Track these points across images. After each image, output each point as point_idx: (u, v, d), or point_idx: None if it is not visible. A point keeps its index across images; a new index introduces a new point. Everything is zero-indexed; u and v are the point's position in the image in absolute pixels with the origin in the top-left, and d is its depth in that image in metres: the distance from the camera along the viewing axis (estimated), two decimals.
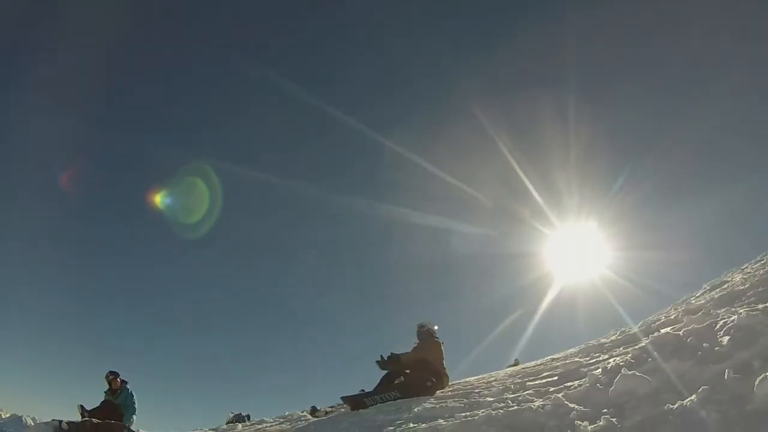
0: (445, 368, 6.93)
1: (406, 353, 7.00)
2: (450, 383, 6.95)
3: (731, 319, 3.78)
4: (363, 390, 7.11)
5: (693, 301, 5.89)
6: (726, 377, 2.94)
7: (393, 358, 6.91)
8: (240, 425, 10.42)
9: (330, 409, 8.37)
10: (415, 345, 7.17)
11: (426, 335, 7.26)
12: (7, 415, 9.18)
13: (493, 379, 6.52)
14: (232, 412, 13.60)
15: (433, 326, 7.41)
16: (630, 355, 4.28)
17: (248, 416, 12.73)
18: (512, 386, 5.12)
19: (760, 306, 3.95)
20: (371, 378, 7.14)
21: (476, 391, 5.46)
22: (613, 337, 5.99)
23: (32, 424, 8.68)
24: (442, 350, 7.10)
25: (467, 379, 7.43)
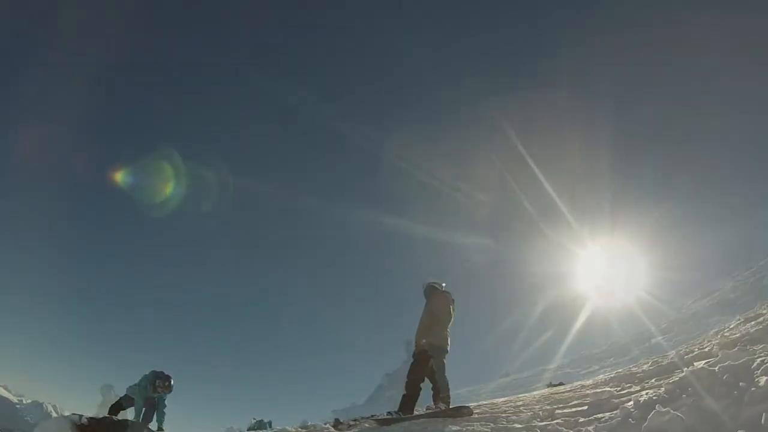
0: (448, 332, 6.49)
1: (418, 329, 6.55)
2: (477, 404, 6.91)
3: None
4: (390, 412, 7.10)
5: (728, 334, 5.79)
6: (763, 421, 2.93)
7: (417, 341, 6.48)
8: None
9: (353, 422, 8.44)
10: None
11: (430, 290, 6.74)
12: (29, 401, 9.40)
13: (521, 403, 6.50)
14: (254, 418, 13.82)
15: (441, 282, 6.84)
16: (663, 389, 4.25)
17: (270, 423, 12.92)
18: (541, 413, 5.12)
19: None
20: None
21: (504, 415, 5.47)
22: (645, 367, 5.92)
23: (53, 412, 8.86)
24: (449, 304, 6.60)
25: (494, 401, 7.41)
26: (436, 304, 6.60)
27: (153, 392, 8.71)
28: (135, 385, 8.73)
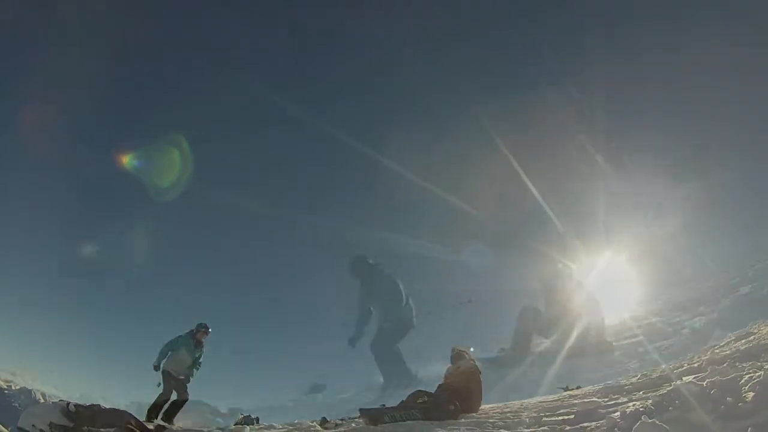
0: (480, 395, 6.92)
1: (450, 375, 7.02)
2: None
3: (757, 374, 3.75)
4: (384, 405, 7.09)
5: (718, 351, 5.79)
6: None
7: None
8: (248, 428, 10.54)
9: (340, 421, 8.41)
10: (458, 368, 7.10)
11: (463, 363, 7.20)
12: (18, 388, 9.33)
13: (509, 410, 6.49)
14: (241, 414, 13.82)
15: (468, 349, 7.35)
16: (651, 401, 4.24)
17: (257, 419, 12.89)
18: (527, 420, 5.12)
19: None
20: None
21: (491, 421, 5.46)
22: (634, 380, 5.92)
23: (41, 399, 8.83)
24: (479, 379, 7.01)
25: (482, 407, 7.38)
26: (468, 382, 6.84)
27: (195, 347, 8.82)
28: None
